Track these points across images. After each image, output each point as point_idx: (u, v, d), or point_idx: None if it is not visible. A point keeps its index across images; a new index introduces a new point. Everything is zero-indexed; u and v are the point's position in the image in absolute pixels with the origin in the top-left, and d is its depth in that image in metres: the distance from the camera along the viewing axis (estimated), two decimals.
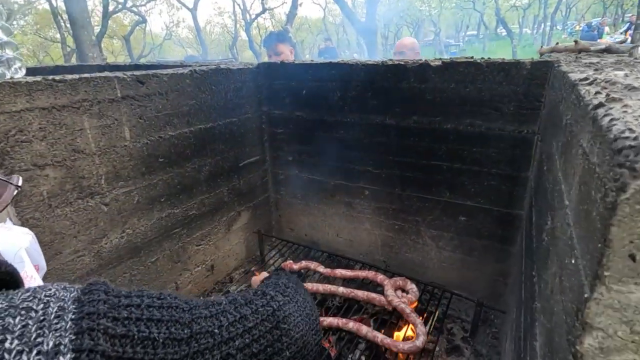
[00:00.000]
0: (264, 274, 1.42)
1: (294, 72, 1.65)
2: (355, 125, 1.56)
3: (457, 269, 1.55)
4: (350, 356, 1.17)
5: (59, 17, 15.52)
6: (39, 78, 0.96)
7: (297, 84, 1.65)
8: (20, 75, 1.00)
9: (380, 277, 1.39)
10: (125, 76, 1.16)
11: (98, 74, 1.10)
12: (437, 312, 1.36)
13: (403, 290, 1.36)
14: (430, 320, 1.33)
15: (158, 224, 1.36)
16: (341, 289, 1.34)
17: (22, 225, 0.98)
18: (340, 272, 1.44)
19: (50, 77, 0.99)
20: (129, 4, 15.49)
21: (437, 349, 1.27)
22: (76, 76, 1.04)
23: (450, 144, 1.38)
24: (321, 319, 1.22)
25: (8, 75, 0.95)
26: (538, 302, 0.60)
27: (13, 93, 0.91)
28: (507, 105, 1.24)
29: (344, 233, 1.81)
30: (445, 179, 1.44)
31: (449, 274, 1.57)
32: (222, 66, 1.54)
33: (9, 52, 0.98)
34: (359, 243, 1.78)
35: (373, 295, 1.29)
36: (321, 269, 1.49)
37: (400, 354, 1.12)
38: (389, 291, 1.27)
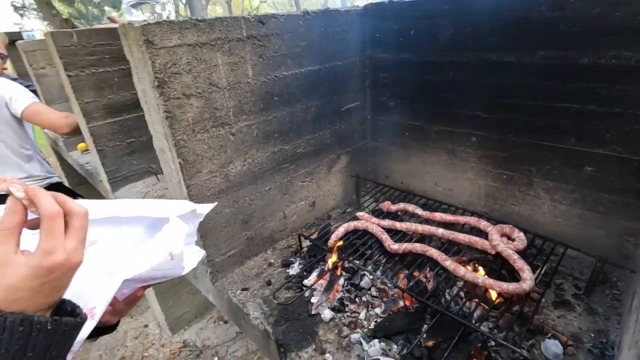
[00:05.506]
0: None
1: (402, 11, 1.58)
2: (467, 65, 1.46)
3: (574, 225, 1.40)
4: (447, 291, 1.20)
5: None
6: (186, 18, 1.12)
7: (405, 24, 1.59)
8: (172, 16, 1.17)
9: (483, 224, 1.35)
10: (249, 17, 1.27)
11: (229, 15, 1.23)
12: (545, 267, 1.28)
13: (509, 238, 1.30)
14: (537, 274, 1.26)
15: (272, 157, 1.52)
16: (441, 230, 1.34)
17: (175, 146, 1.20)
18: (440, 215, 1.44)
19: (195, 17, 1.14)
20: None
21: (544, 300, 1.21)
22: (213, 17, 1.17)
23: (585, 82, 1.21)
24: (422, 249, 1.26)
25: (164, 16, 1.12)
26: None
27: (168, 31, 1.08)
28: None
29: (444, 182, 1.76)
30: (572, 123, 1.28)
31: (563, 229, 1.44)
32: (330, 8, 1.56)
33: None
34: (459, 193, 1.72)
35: (475, 238, 1.27)
36: (419, 211, 1.50)
37: (502, 296, 1.10)
38: (494, 236, 1.23)
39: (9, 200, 0.48)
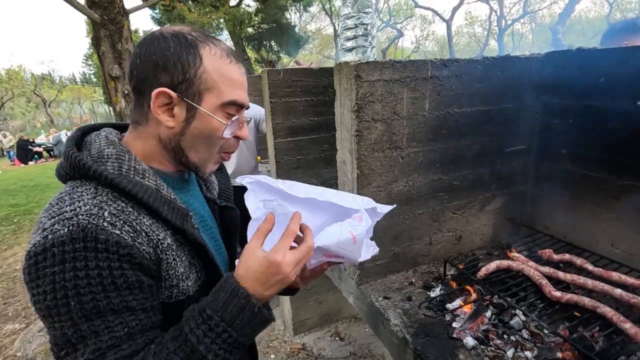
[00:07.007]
0: None
1: (593, 58, 1.54)
2: None
3: None
4: (622, 358, 1.06)
5: (337, 39, 19.60)
6: (387, 59, 1.39)
7: (595, 71, 1.54)
8: (373, 57, 1.48)
9: None
10: (436, 60, 1.48)
11: (418, 59, 1.46)
12: None
13: None
14: None
15: (429, 184, 1.64)
16: (619, 291, 1.20)
17: (357, 159, 1.46)
18: (619, 275, 1.28)
19: (392, 59, 1.41)
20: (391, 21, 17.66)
21: None
22: (406, 59, 1.43)
23: None
24: (591, 304, 1.15)
25: (371, 58, 1.43)
26: None
27: (372, 68, 1.37)
28: None
29: (624, 244, 1.54)
30: None
31: None
32: (509, 55, 1.65)
33: (370, 41, 1.46)
34: None
35: None
36: (589, 266, 1.36)
37: None
38: None
39: (268, 214, 0.73)
